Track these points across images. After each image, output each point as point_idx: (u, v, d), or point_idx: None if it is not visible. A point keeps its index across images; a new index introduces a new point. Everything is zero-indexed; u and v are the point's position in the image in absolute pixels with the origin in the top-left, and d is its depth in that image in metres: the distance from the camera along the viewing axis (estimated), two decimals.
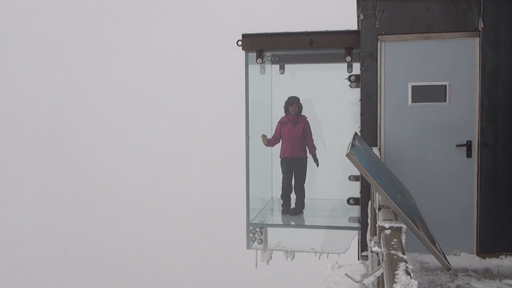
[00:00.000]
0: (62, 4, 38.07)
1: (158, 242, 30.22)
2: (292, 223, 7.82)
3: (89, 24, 38.13)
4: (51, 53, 37.69)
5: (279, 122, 7.83)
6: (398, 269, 2.47)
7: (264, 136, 7.80)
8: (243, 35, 7.23)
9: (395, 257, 2.61)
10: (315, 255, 7.26)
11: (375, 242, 3.07)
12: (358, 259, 6.62)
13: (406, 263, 2.54)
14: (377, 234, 3.24)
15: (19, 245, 31.17)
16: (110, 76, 37.19)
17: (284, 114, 7.83)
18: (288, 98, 7.79)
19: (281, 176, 7.89)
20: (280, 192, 7.94)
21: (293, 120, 7.74)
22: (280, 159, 7.88)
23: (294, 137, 7.76)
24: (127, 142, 35.36)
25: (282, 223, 7.86)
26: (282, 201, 7.95)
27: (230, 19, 35.43)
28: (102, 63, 37.37)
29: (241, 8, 36.25)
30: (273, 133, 7.95)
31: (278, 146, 7.94)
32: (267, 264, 7.50)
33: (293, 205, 7.89)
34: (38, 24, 37.92)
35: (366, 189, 6.36)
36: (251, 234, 7.46)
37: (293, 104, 7.74)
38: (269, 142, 7.85)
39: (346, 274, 3.01)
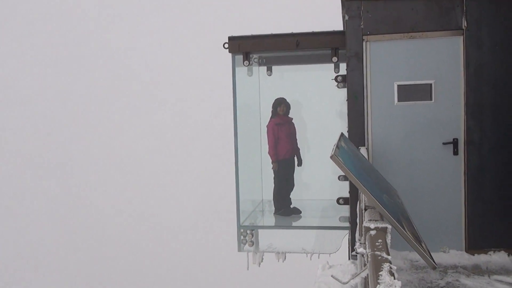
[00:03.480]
0: (56, 5, 37.90)
1: (150, 245, 30.16)
2: (283, 224, 7.83)
3: (81, 30, 38.01)
4: (49, 53, 37.50)
5: (275, 124, 7.74)
6: (382, 270, 2.48)
7: (274, 165, 7.82)
8: (230, 38, 7.24)
9: (379, 258, 2.62)
10: (306, 256, 7.27)
11: (360, 243, 3.09)
12: (349, 258, 6.65)
13: (390, 263, 2.55)
14: (363, 235, 3.26)
15: (18, 248, 31.07)
16: (100, 82, 37.06)
17: (270, 116, 7.84)
18: (276, 99, 7.81)
19: (273, 177, 7.89)
20: (275, 195, 7.89)
21: (286, 120, 7.79)
22: (277, 162, 7.80)
23: (293, 136, 7.86)
24: (117, 145, 35.25)
25: (273, 224, 7.88)
26: (280, 203, 7.87)
27: (216, 22, 35.43)
28: (90, 72, 37.26)
29: (227, 11, 36.27)
30: (267, 137, 7.85)
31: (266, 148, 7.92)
32: (259, 266, 7.51)
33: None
34: (36, 24, 37.76)
35: (355, 189, 6.38)
36: (242, 237, 7.46)
37: (281, 105, 7.78)
38: (272, 152, 7.83)
39: (332, 276, 3.03)
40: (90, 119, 36.27)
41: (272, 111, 7.84)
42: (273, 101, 7.83)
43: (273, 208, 7.96)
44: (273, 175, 7.88)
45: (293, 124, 7.89)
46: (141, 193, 33.21)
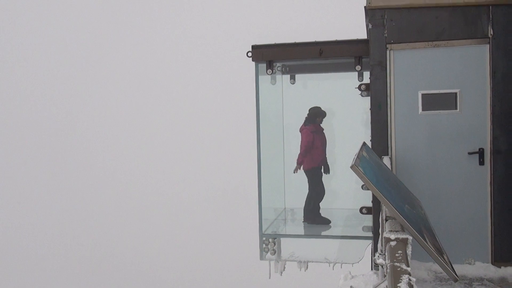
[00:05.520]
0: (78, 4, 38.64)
1: (170, 253, 30.28)
2: (308, 233, 7.78)
3: (98, 36, 38.67)
4: (57, 53, 38.20)
5: (311, 132, 7.77)
6: (401, 282, 2.46)
7: (297, 167, 7.86)
8: (253, 47, 7.29)
9: (398, 269, 2.60)
10: (329, 265, 7.22)
11: (379, 254, 3.06)
12: (372, 269, 6.57)
13: (410, 275, 2.53)
14: (383, 246, 3.23)
15: (18, 247, 31.54)
16: (120, 88, 37.61)
17: (304, 123, 7.82)
18: (314, 108, 7.79)
19: (299, 185, 7.88)
20: (308, 202, 7.86)
21: (319, 128, 7.83)
22: (311, 169, 7.82)
23: (325, 144, 7.91)
24: (137, 151, 35.67)
25: (295, 233, 7.85)
26: (311, 211, 7.84)
27: (240, 30, 35.63)
28: (111, 77, 37.83)
29: (250, 20, 36.45)
30: (300, 143, 7.86)
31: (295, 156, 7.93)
32: (281, 274, 7.48)
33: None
34: (39, 25, 38.51)
35: (377, 199, 6.30)
36: (264, 245, 7.45)
37: (320, 116, 7.84)
38: (301, 159, 7.85)
39: (351, 287, 3.00)
40: (113, 121, 36.78)
41: (306, 119, 7.81)
42: (310, 109, 7.80)
43: (296, 217, 7.94)
44: (307, 183, 7.85)
45: (324, 133, 7.89)
46: (162, 200, 33.44)
